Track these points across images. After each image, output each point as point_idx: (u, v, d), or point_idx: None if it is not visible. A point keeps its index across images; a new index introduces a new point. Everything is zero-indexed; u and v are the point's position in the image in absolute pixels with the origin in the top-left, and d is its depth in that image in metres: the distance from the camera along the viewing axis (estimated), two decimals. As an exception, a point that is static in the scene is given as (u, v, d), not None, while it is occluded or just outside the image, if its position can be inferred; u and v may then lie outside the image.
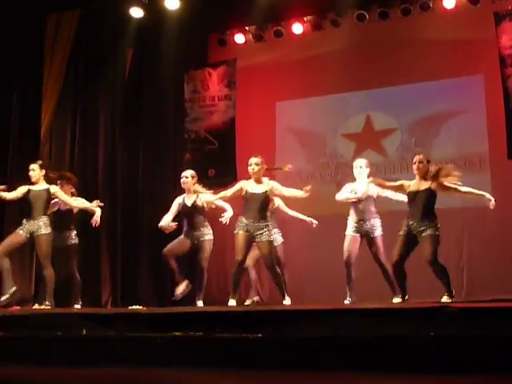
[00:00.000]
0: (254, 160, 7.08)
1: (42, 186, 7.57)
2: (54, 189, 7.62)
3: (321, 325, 4.09)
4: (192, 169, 7.80)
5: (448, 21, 9.40)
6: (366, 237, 7.21)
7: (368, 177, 7.26)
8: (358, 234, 7.21)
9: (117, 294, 9.92)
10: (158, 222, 7.60)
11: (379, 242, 7.15)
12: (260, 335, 4.02)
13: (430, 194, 6.55)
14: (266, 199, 7.04)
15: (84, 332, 4.65)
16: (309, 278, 9.21)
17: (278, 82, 10.42)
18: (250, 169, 7.06)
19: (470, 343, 3.63)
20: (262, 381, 3.60)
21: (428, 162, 6.70)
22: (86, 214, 8.19)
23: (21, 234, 7.41)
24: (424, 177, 6.61)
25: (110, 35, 10.37)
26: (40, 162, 7.80)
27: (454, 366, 3.57)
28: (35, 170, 7.59)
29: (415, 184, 6.67)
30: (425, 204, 6.53)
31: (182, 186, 7.64)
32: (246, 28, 10.59)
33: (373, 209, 7.22)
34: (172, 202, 7.68)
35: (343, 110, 10.17)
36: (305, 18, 10.22)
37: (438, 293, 8.41)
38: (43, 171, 7.64)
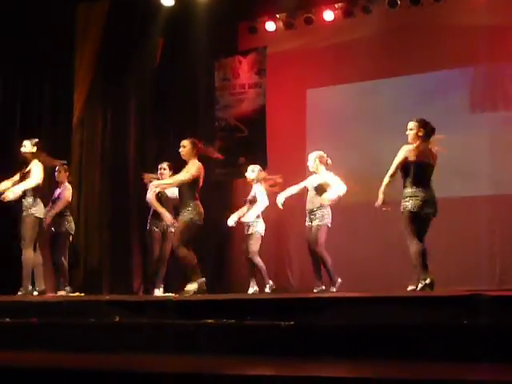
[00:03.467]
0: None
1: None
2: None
3: (353, 313, 4.08)
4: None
5: (482, 5, 9.18)
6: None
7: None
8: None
9: (148, 281, 9.98)
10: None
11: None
12: (292, 323, 4.02)
13: None
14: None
15: (116, 319, 4.69)
16: (342, 266, 9.12)
17: (309, 69, 10.33)
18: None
19: (503, 331, 3.59)
20: (295, 368, 3.60)
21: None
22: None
23: None
24: None
25: (140, 24, 10.38)
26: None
27: (487, 353, 3.54)
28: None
29: None
30: None
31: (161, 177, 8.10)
32: (277, 15, 10.51)
33: None
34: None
35: (374, 98, 10.03)
36: (336, 5, 10.12)
37: (467, 280, 8.35)
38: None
